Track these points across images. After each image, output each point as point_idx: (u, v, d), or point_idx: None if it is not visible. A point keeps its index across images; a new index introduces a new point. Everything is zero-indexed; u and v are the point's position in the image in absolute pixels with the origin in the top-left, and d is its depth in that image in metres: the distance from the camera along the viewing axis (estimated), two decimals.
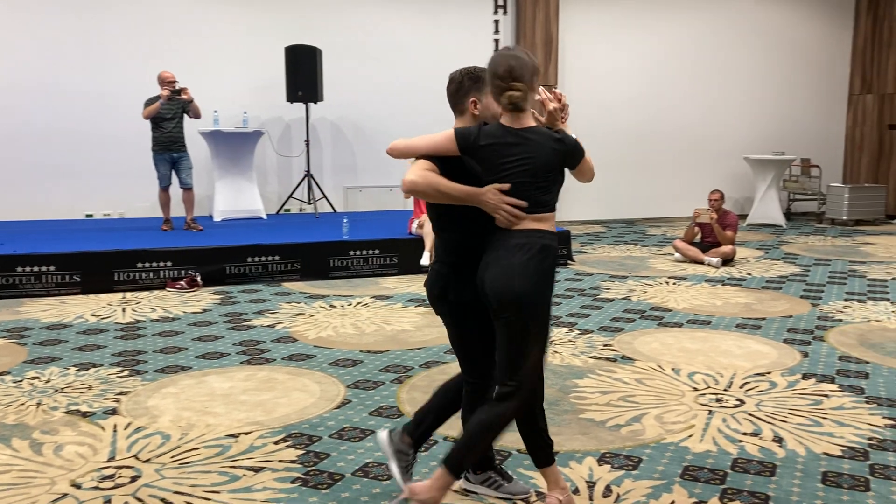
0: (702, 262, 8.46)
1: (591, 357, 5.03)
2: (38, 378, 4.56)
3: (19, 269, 6.75)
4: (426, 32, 11.04)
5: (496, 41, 11.43)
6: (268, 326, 5.83)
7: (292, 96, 9.70)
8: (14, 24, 9.41)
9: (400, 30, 10.91)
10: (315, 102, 9.89)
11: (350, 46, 10.66)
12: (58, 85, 9.56)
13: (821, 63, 13.37)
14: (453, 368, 4.74)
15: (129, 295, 6.90)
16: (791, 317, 6.15)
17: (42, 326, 5.78)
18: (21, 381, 4.52)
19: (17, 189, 9.50)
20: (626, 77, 12.12)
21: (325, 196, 10.27)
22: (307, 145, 10.05)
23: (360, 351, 5.17)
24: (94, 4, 9.66)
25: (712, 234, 8.54)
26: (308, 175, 10.04)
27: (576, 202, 12.00)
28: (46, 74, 9.52)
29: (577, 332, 5.66)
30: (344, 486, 3.18)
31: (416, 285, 7.37)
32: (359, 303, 6.64)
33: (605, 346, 5.29)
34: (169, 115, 8.24)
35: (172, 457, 3.47)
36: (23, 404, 4.13)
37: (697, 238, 8.76)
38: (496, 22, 11.41)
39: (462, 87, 2.81)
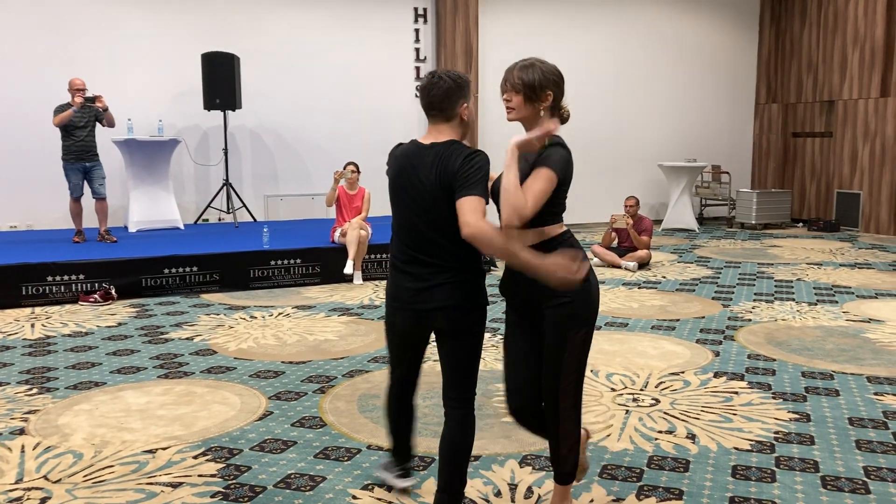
0: (619, 267, 8.69)
1: None
2: None
3: None
4: (345, 40, 11.00)
5: (416, 50, 11.49)
6: (186, 339, 5.69)
7: (210, 104, 9.52)
8: None
9: (318, 37, 10.84)
10: (233, 110, 9.73)
11: (268, 54, 10.54)
12: None
13: (729, 74, 13.93)
14: (377, 377, 4.74)
15: (38, 310, 6.64)
16: (703, 318, 6.38)
17: None
18: None
19: None
20: None
21: (244, 205, 10.11)
22: (225, 153, 9.87)
23: (282, 362, 5.11)
24: (1, 5, 9.28)
25: (629, 239, 8.78)
26: (227, 184, 9.87)
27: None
28: None
29: (500, 336, 5.73)
30: (266, 499, 3.14)
31: (339, 294, 7.33)
32: (280, 313, 6.56)
33: None
34: (81, 124, 7.97)
35: (85, 476, 3.35)
36: None
37: (615, 243, 8.99)
38: (416, 31, 11.47)
39: (452, 91, 2.70)
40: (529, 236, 2.66)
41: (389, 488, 3.20)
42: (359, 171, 8.11)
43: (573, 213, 12.80)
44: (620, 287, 7.69)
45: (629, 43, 12.98)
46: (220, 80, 9.48)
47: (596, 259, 8.95)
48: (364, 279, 7.97)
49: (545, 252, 2.61)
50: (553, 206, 2.67)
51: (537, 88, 2.68)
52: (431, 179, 2.64)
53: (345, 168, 8.01)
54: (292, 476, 3.35)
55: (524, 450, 3.65)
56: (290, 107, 10.73)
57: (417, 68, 11.52)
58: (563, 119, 2.81)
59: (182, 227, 9.38)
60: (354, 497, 3.16)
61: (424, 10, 11.49)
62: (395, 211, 2.78)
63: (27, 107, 9.21)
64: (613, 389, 4.53)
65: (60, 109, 7.91)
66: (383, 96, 11.33)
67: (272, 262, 7.67)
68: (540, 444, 3.71)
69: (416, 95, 11.53)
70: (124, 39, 9.84)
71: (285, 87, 10.69)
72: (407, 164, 2.71)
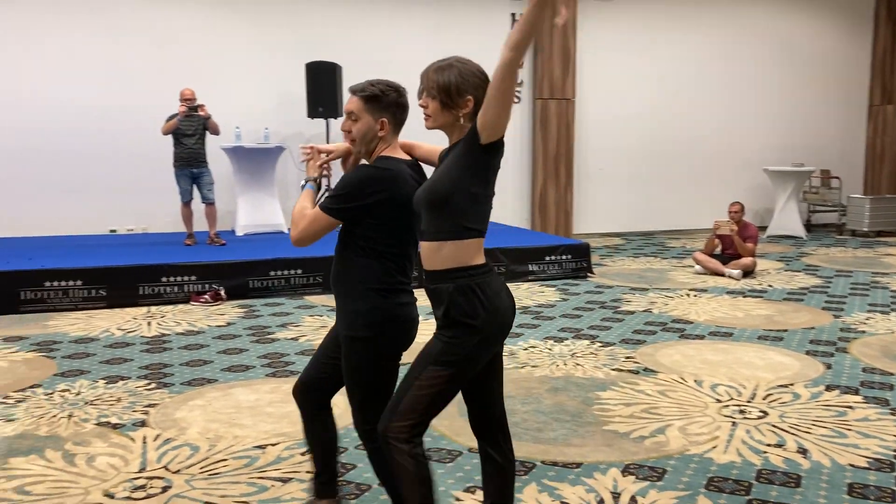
0: (722, 275, 8.44)
1: (613, 369, 5.04)
2: (68, 391, 4.64)
3: (47, 283, 6.86)
4: (442, 47, 11.09)
5: None
6: (291, 339, 5.89)
7: (313, 112, 9.81)
8: (40, 43, 9.59)
9: (416, 45, 11.00)
10: (335, 118, 9.98)
11: (368, 62, 10.73)
12: (80, 102, 9.72)
13: (840, 74, 13.33)
14: None
15: (153, 309, 7.00)
16: (813, 328, 6.13)
17: (70, 340, 5.88)
18: (52, 393, 4.60)
19: (41, 204, 9.67)
20: (645, 89, 12.14)
21: None
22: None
23: None
24: (119, 23, 9.83)
25: (733, 245, 8.53)
26: (328, 190, 10.10)
27: (594, 215, 12.03)
28: (69, 91, 9.69)
29: (599, 344, 5.67)
30: (371, 497, 3.22)
31: None
32: None
33: (627, 358, 5.30)
34: (189, 132, 8.37)
35: (202, 467, 3.52)
36: (54, 416, 4.20)
37: (718, 250, 8.75)
38: None
39: None
40: (445, 250, 2.36)
41: None
42: None
43: (674, 219, 12.57)
44: (724, 296, 7.48)
45: (733, 43, 12.60)
46: (323, 89, 9.75)
47: (698, 266, 8.73)
48: None
49: (444, 283, 2.37)
50: (473, 210, 2.36)
51: (453, 93, 2.37)
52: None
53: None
54: None
55: (627, 459, 3.61)
56: None
57: None
58: None
59: (286, 231, 9.70)
60: (457, 499, 3.20)
61: (520, 14, 11.49)
62: (403, 233, 2.56)
63: (143, 116, 9.70)
64: (719, 400, 4.42)
65: (170, 118, 8.35)
66: None
67: None
68: (643, 454, 3.66)
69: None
70: (234, 51, 10.27)
71: None
72: (413, 184, 2.56)
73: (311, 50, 10.28)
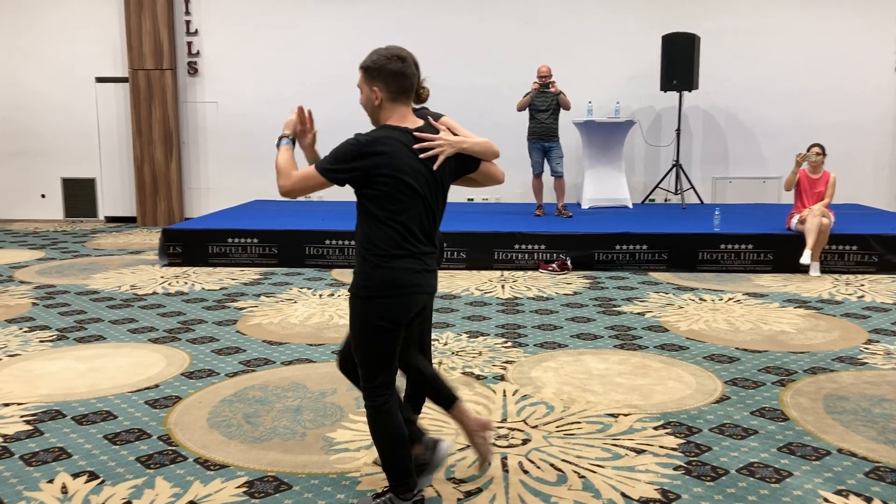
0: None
1: None
2: (437, 340, 5.15)
3: None
4: (813, 14, 10.16)
5: None
6: (637, 314, 5.89)
7: (666, 85, 9.59)
8: (412, 22, 10.62)
9: (784, 13, 10.18)
10: (689, 91, 9.67)
11: (729, 33, 10.22)
12: (446, 80, 10.57)
13: None
14: (844, 378, 4.37)
15: (506, 273, 7.45)
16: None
17: (438, 296, 6.50)
18: None
19: None
20: None
21: (692, 187, 10.02)
22: (678, 135, 9.87)
23: (736, 348, 4.99)
24: (486, 2, 10.49)
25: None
26: (677, 165, 9.87)
27: None
28: (437, 70, 10.58)
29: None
30: (729, 482, 3.12)
31: (793, 284, 6.90)
32: (731, 298, 6.40)
33: None
34: (543, 108, 8.69)
35: (557, 427, 3.69)
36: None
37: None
38: None
39: None
40: None
41: None
42: (824, 154, 7.49)
43: None
44: None
45: None
46: (679, 61, 9.48)
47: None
48: (822, 271, 7.36)
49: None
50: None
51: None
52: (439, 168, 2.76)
53: (809, 150, 7.47)
54: (755, 465, 3.27)
55: None
56: (746, 87, 10.32)
57: None
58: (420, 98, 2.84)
59: (630, 206, 9.66)
60: (826, 500, 2.97)
61: None
62: (404, 200, 2.66)
63: (501, 92, 10.26)
64: None
65: (525, 95, 8.74)
66: (852, 73, 10.24)
67: (721, 246, 7.51)
68: None
69: None
70: (591, 26, 10.42)
71: (743, 66, 10.28)
72: (404, 151, 2.68)
73: (670, 20, 10.03)
